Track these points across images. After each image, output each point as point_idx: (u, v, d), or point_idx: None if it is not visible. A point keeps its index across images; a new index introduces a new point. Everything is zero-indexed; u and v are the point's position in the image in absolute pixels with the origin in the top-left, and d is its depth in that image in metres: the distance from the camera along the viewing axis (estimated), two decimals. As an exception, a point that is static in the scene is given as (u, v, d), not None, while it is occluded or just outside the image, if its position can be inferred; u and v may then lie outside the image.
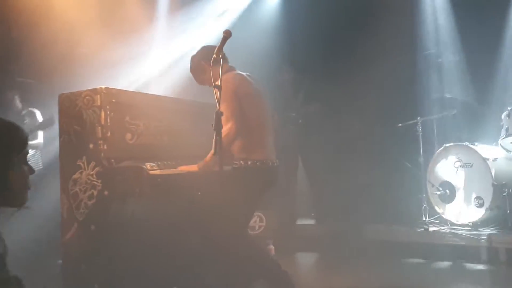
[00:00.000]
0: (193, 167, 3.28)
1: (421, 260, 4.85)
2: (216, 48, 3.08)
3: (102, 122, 3.18)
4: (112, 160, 3.17)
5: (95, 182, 3.16)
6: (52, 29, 4.52)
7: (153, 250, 3.26)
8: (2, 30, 4.77)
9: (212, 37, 5.31)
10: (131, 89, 4.39)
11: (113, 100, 3.25)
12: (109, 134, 3.20)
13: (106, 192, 3.12)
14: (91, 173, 3.19)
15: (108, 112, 3.21)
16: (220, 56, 3.07)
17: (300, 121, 5.84)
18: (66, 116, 3.32)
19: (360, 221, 5.55)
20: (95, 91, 3.22)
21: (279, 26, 6.41)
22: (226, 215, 3.11)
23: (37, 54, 4.66)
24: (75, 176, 3.25)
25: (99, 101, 3.19)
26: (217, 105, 2.95)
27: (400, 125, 5.55)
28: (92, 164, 3.18)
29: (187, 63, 3.64)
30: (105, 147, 3.17)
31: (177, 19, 5.36)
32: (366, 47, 5.62)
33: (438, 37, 6.00)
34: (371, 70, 5.52)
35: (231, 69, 3.53)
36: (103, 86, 3.24)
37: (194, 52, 3.64)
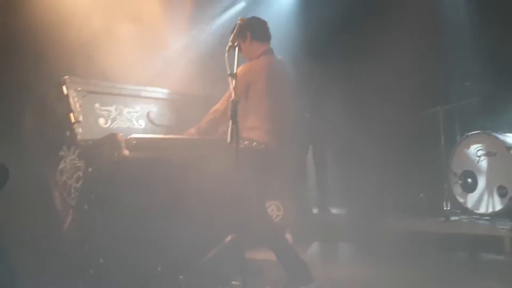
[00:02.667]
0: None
1: (441, 250, 4.78)
2: (231, 35, 3.04)
3: (72, 108, 3.29)
4: (90, 142, 3.26)
5: (79, 164, 3.25)
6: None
7: (148, 215, 3.28)
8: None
9: (226, 27, 5.24)
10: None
11: (79, 89, 3.37)
12: (81, 118, 3.32)
13: (90, 169, 3.20)
14: (73, 157, 3.28)
15: (76, 99, 3.33)
16: (236, 44, 3.04)
17: (312, 110, 5.75)
18: (39, 117, 3.46)
19: (379, 211, 5.49)
20: (59, 82, 3.33)
21: (296, 14, 6.31)
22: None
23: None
24: (60, 167, 3.34)
25: (65, 90, 3.31)
26: (233, 94, 2.91)
27: (420, 114, 5.46)
28: (73, 148, 3.28)
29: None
30: (81, 130, 3.28)
31: (191, 9, 5.27)
32: (385, 36, 5.50)
33: (460, 22, 5.84)
34: (389, 59, 5.40)
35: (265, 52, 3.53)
36: (66, 76, 3.34)
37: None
